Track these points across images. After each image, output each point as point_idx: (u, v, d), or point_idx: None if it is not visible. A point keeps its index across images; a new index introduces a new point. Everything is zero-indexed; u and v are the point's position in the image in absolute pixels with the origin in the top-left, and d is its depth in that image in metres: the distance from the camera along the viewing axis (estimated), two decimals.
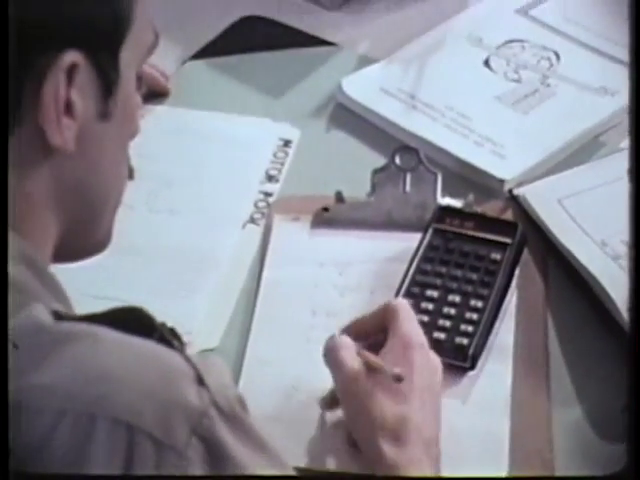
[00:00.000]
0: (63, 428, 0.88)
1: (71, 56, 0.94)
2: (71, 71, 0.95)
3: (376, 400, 1.18)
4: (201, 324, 1.33)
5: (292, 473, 0.99)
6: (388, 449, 1.16)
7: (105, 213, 1.08)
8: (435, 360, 1.22)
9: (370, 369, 1.18)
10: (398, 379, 1.17)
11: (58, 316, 0.93)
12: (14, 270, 0.96)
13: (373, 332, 1.24)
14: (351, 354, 1.20)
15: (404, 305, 1.24)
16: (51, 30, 0.94)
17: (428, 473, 1.16)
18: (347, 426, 1.21)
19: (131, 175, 1.10)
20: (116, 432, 0.88)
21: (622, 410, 1.16)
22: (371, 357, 1.19)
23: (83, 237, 1.07)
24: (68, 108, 0.96)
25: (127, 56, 1.00)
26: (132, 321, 0.94)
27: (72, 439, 0.88)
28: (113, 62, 0.99)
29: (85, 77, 0.96)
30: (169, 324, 1.10)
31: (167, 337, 0.95)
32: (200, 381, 0.90)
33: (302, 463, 1.21)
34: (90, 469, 0.89)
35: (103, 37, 0.98)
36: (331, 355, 1.21)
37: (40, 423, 0.89)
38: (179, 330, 1.27)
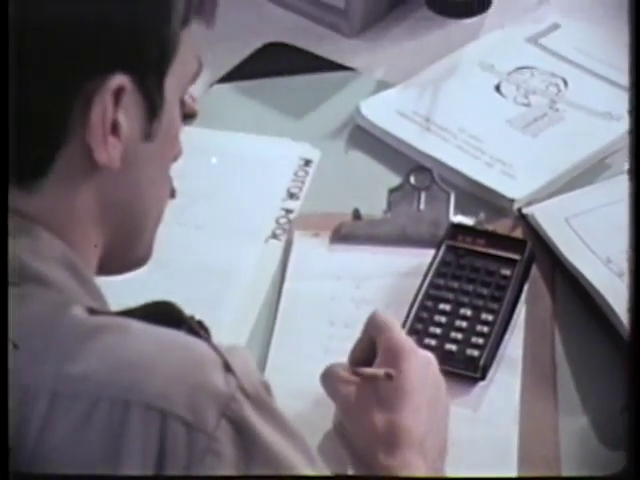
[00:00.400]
0: (99, 414, 0.89)
1: (119, 80, 0.95)
2: (118, 94, 0.95)
3: (368, 413, 1.19)
4: (225, 333, 1.32)
5: (315, 457, 0.98)
6: (383, 457, 1.16)
7: (147, 230, 1.08)
8: (425, 359, 1.21)
9: (367, 381, 1.19)
10: (389, 376, 1.17)
11: (93, 312, 0.94)
12: (57, 274, 0.96)
13: (368, 351, 1.24)
14: (343, 378, 1.21)
15: (384, 317, 1.23)
16: (101, 54, 0.94)
17: (425, 473, 1.16)
18: (352, 442, 1.21)
19: (172, 195, 1.12)
20: (149, 417, 0.89)
21: (622, 410, 1.17)
22: (364, 370, 1.20)
23: (126, 252, 1.08)
24: (114, 128, 0.96)
25: (172, 82, 1.00)
26: (162, 314, 0.96)
27: (107, 425, 0.89)
28: (158, 87, 0.99)
29: (131, 100, 0.96)
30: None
31: (195, 328, 0.96)
32: (227, 367, 0.91)
33: None
34: (125, 454, 0.89)
35: (150, 63, 0.98)
36: (325, 383, 1.23)
37: (77, 410, 0.89)
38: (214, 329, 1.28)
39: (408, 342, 1.22)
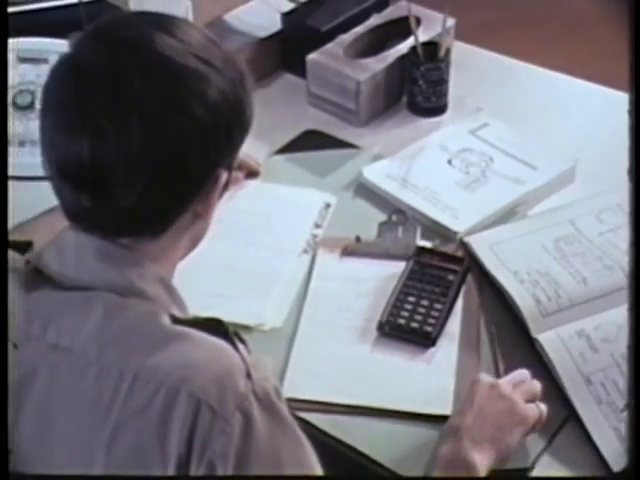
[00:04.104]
0: (159, 396, 0.88)
1: (225, 176, 0.96)
2: (227, 183, 0.97)
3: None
4: (271, 314, 1.33)
5: (311, 453, 0.93)
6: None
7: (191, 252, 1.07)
8: (516, 401, 1.11)
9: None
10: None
11: (174, 319, 0.93)
12: (152, 288, 0.95)
13: None
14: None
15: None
16: (220, 159, 0.95)
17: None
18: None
19: None
20: (190, 402, 0.87)
21: (622, 410, 1.12)
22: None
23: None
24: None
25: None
26: (215, 327, 0.93)
27: (163, 403, 0.87)
28: (231, 170, 0.99)
29: (224, 178, 0.98)
30: (248, 317, 1.21)
31: (235, 340, 0.93)
32: (248, 375, 0.89)
33: None
34: (170, 426, 0.87)
35: (235, 155, 0.99)
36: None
37: (146, 390, 0.88)
38: (256, 317, 1.27)
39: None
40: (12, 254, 1.00)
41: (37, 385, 0.92)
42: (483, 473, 1.05)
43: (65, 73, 0.90)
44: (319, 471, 0.92)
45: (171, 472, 0.87)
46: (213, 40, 0.96)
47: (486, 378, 1.14)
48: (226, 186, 0.99)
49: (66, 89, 0.90)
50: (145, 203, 0.91)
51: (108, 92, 0.88)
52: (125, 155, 0.87)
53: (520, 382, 1.14)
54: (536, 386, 1.14)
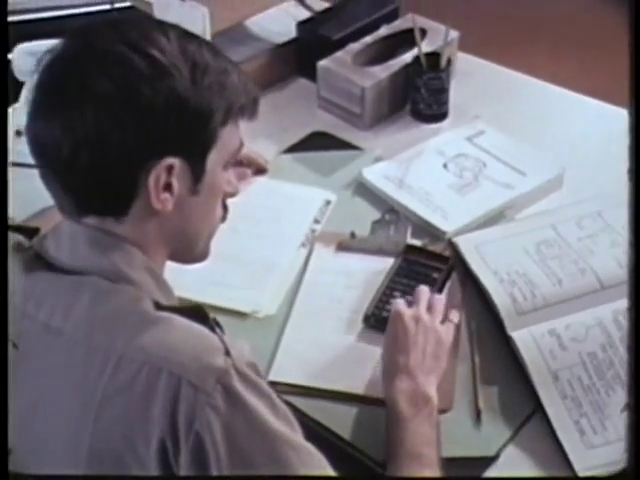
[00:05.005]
0: (142, 375, 0.88)
1: (169, 161, 0.92)
2: (170, 169, 0.93)
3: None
4: (266, 301, 1.34)
5: (292, 420, 0.92)
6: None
7: (198, 244, 1.04)
8: (439, 330, 1.18)
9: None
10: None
11: (157, 306, 0.93)
12: (138, 274, 0.95)
13: None
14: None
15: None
16: (157, 145, 0.91)
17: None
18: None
19: (223, 220, 1.05)
20: (171, 380, 0.87)
21: (622, 410, 1.11)
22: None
23: (184, 256, 1.04)
24: (168, 188, 0.94)
25: (214, 157, 0.96)
26: (195, 314, 0.93)
27: (146, 382, 0.88)
28: (201, 163, 0.95)
29: (181, 171, 0.94)
30: (244, 304, 1.20)
31: (214, 325, 0.93)
32: (227, 353, 0.89)
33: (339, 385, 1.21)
34: (153, 402, 0.87)
35: (193, 150, 0.94)
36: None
37: (130, 369, 0.88)
38: (252, 304, 1.26)
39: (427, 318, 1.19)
40: (20, 238, 1.02)
41: (32, 361, 0.94)
42: (436, 403, 1.10)
43: (44, 64, 0.93)
44: (303, 440, 0.92)
45: (155, 446, 0.87)
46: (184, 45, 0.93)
47: (406, 310, 1.19)
48: (197, 182, 0.96)
49: (39, 76, 0.92)
50: (91, 181, 0.91)
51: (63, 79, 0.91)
52: (69, 135, 0.89)
53: (430, 305, 1.21)
54: (441, 301, 1.22)
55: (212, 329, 0.92)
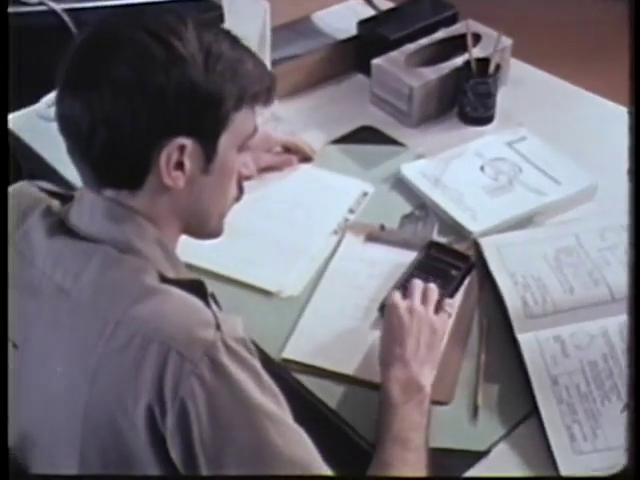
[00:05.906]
0: (134, 343, 0.88)
1: (180, 141, 0.92)
2: (182, 148, 0.92)
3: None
4: (292, 282, 1.32)
5: (279, 397, 0.91)
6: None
7: (210, 221, 1.02)
8: (432, 320, 1.15)
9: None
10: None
11: (162, 278, 0.92)
12: (148, 247, 0.95)
13: None
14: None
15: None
16: (170, 126, 0.91)
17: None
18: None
19: (238, 199, 1.04)
20: (161, 348, 0.87)
21: (621, 410, 1.08)
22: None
23: (196, 231, 1.03)
24: (180, 166, 0.93)
25: (226, 139, 0.95)
26: (196, 288, 0.92)
27: (138, 349, 0.87)
28: (213, 145, 0.94)
29: (193, 150, 0.93)
30: (270, 283, 1.22)
31: (210, 300, 0.92)
32: (218, 327, 0.88)
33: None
34: (143, 367, 0.87)
35: (204, 132, 0.93)
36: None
37: (124, 336, 0.88)
38: (278, 284, 1.25)
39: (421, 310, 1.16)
40: (53, 204, 1.03)
41: (44, 317, 0.94)
42: (429, 392, 1.08)
43: (74, 47, 0.93)
44: (289, 416, 0.90)
45: (143, 407, 0.87)
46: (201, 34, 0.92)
47: (401, 302, 1.16)
48: (208, 162, 0.95)
49: (69, 58, 0.93)
50: (107, 156, 0.91)
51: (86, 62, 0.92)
52: (88, 114, 0.89)
53: (423, 296, 1.18)
54: (434, 291, 1.19)
55: (207, 304, 0.91)
